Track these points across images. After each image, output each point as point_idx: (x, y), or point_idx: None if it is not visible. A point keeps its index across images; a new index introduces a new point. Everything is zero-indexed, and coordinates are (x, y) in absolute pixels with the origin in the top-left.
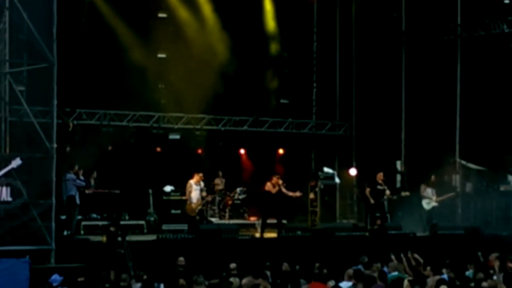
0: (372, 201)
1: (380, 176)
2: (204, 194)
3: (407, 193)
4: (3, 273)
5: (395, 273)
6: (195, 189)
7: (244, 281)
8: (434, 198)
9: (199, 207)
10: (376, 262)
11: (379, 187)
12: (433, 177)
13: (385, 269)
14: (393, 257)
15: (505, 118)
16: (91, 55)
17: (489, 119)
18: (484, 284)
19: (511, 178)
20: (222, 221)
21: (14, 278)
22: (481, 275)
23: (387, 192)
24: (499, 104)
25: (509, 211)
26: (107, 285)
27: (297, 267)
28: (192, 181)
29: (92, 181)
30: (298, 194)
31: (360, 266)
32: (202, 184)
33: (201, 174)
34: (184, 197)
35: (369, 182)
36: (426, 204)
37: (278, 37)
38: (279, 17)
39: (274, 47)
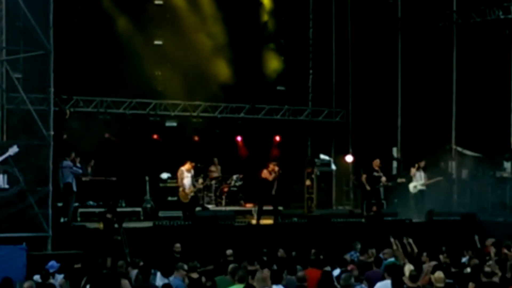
0: (368, 187)
1: (376, 163)
2: (200, 181)
3: (403, 180)
4: (0, 260)
5: (392, 259)
6: (186, 176)
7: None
8: (422, 182)
9: (192, 194)
10: (371, 248)
11: (375, 173)
12: (423, 162)
13: (381, 255)
14: (392, 240)
15: (501, 105)
16: (88, 42)
17: (485, 106)
18: (487, 269)
19: (507, 164)
20: (219, 208)
21: (11, 265)
22: (476, 261)
23: (383, 178)
24: (495, 91)
25: (505, 197)
26: (104, 271)
27: (293, 253)
28: (183, 168)
29: (90, 169)
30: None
31: (353, 252)
32: (192, 171)
33: (193, 163)
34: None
35: (365, 168)
36: (413, 188)
37: (274, 23)
38: (275, 3)
39: (270, 34)
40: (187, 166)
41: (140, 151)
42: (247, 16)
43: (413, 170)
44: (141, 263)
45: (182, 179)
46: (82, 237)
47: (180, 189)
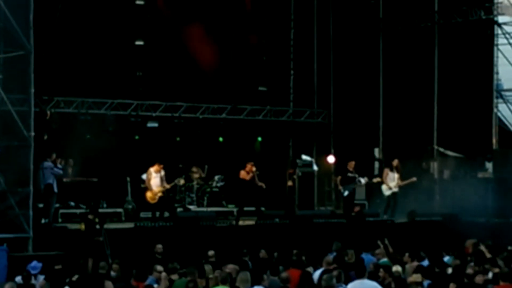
0: (340, 188)
1: (351, 164)
2: (182, 181)
3: (379, 179)
4: None
5: (384, 259)
6: (154, 177)
7: None
8: (395, 182)
9: (159, 194)
10: (350, 249)
11: (349, 174)
12: (395, 161)
13: (363, 255)
14: (379, 242)
15: (483, 106)
16: (69, 43)
17: (467, 107)
18: (469, 270)
19: (489, 165)
20: (200, 209)
21: None
22: (457, 261)
23: (363, 180)
24: (476, 91)
25: (487, 198)
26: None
27: (275, 254)
28: (152, 169)
29: (70, 170)
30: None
31: (334, 253)
32: (162, 172)
33: (161, 165)
34: (143, 185)
35: (340, 170)
36: (385, 191)
37: (255, 24)
38: (257, 4)
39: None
40: (156, 167)
41: (122, 152)
42: (229, 17)
43: (386, 172)
44: (117, 266)
45: (149, 180)
46: (63, 238)
47: (147, 191)
